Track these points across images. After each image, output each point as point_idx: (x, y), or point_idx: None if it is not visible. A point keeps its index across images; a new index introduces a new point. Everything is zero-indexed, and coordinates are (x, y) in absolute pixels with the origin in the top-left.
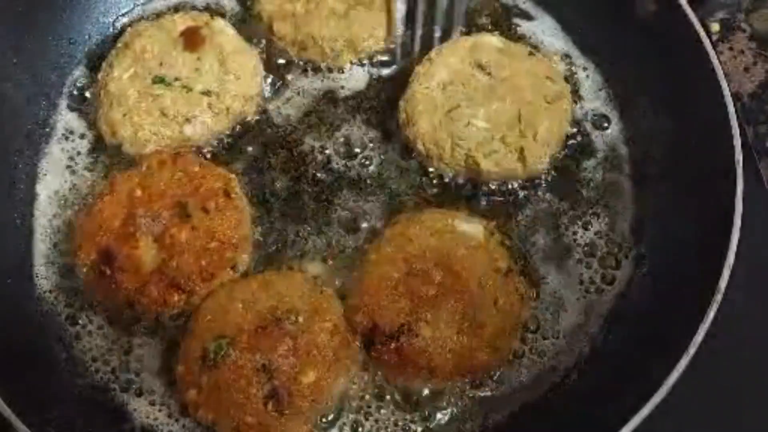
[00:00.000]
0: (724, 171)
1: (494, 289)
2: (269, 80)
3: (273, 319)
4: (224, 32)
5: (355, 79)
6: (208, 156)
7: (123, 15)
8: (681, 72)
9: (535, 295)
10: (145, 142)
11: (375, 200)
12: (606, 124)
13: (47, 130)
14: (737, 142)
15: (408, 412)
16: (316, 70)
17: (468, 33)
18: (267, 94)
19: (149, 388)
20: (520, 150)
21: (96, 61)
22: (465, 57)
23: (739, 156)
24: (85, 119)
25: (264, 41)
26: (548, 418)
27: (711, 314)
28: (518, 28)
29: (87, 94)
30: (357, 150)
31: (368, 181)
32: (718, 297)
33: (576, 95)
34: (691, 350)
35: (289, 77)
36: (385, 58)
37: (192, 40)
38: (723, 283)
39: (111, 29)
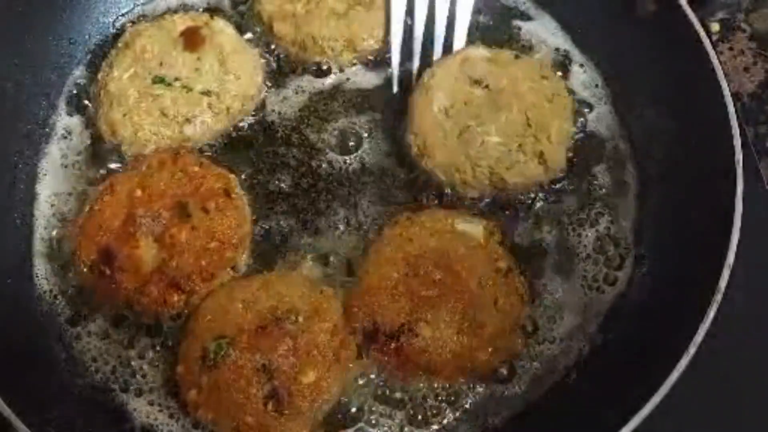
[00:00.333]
0: (724, 171)
1: (494, 289)
2: (269, 80)
3: (273, 319)
4: (224, 32)
5: (355, 78)
6: (208, 156)
7: (123, 15)
8: (681, 72)
9: (535, 295)
10: (145, 142)
11: (375, 200)
12: (606, 124)
13: (47, 130)
14: (737, 142)
15: (408, 412)
16: (316, 69)
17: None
18: (267, 94)
19: (149, 388)
20: (539, 154)
21: (96, 61)
22: (458, 75)
23: (739, 156)
24: (85, 119)
25: (264, 41)
26: (548, 418)
27: (711, 314)
28: (518, 29)
29: (87, 94)
30: (358, 150)
31: (369, 181)
32: (718, 297)
33: (575, 94)
34: (691, 350)
35: (289, 77)
36: (384, 57)
37: (192, 40)
38: (723, 283)
39: (111, 29)
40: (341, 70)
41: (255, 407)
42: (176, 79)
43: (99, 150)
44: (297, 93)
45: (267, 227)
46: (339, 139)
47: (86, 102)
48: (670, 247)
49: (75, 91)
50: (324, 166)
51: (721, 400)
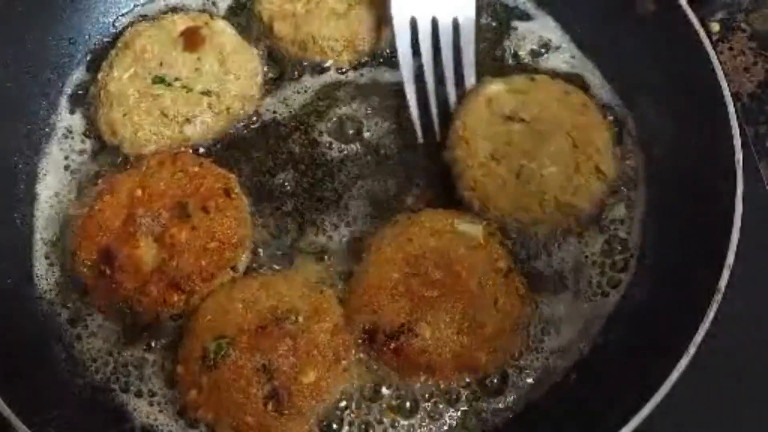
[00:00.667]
0: (724, 171)
1: (494, 289)
2: (269, 80)
3: (273, 319)
4: (224, 32)
5: (355, 78)
6: (208, 156)
7: (123, 15)
8: (681, 72)
9: (535, 295)
10: (145, 142)
11: (375, 200)
12: None
13: (47, 130)
14: (737, 142)
15: (408, 412)
16: (316, 69)
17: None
18: (267, 94)
19: (149, 388)
20: (596, 170)
21: (96, 61)
22: (489, 118)
23: (739, 156)
24: (85, 119)
25: (264, 41)
26: (548, 418)
27: (711, 314)
28: (518, 29)
29: (87, 94)
30: (358, 150)
31: (369, 181)
32: (718, 297)
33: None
34: (691, 350)
35: (289, 77)
36: (384, 57)
37: (192, 40)
38: (723, 283)
39: (111, 29)
40: (341, 70)
41: (255, 407)
42: (176, 79)
43: (99, 150)
44: (297, 93)
45: (267, 227)
46: (339, 139)
47: (86, 102)
48: (670, 247)
49: (75, 91)
50: (324, 165)
51: (721, 400)
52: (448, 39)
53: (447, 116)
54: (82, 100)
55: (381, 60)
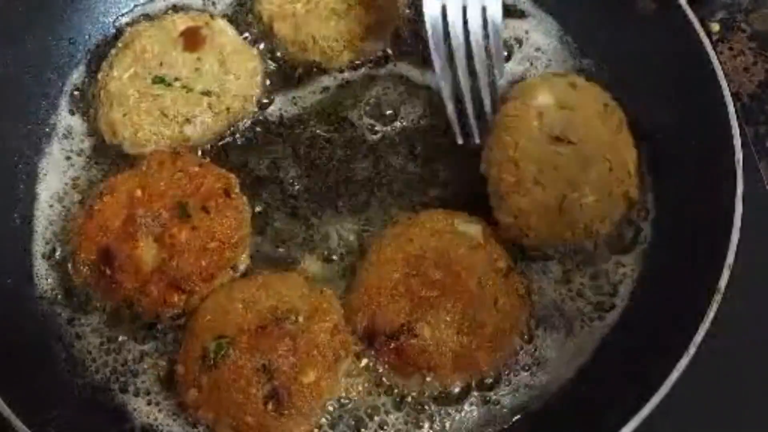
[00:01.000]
0: (724, 171)
1: (494, 289)
2: (269, 80)
3: (273, 319)
4: (224, 32)
5: (355, 78)
6: (208, 156)
7: (123, 15)
8: (681, 72)
9: (534, 295)
10: (145, 142)
11: (375, 200)
12: None
13: (47, 130)
14: (737, 142)
15: (408, 412)
16: (317, 70)
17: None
18: (267, 94)
19: (149, 388)
20: (625, 195)
21: (96, 61)
22: (539, 137)
23: (739, 156)
24: (85, 119)
25: (264, 41)
26: (548, 418)
27: (711, 314)
28: (517, 28)
29: (87, 94)
30: (358, 150)
31: (369, 181)
32: (718, 297)
33: None
34: (691, 350)
35: (289, 77)
36: (384, 57)
37: (192, 40)
38: (723, 283)
39: (111, 29)
40: (341, 70)
41: (255, 407)
42: (176, 79)
43: (99, 150)
44: (297, 93)
45: (267, 227)
46: (339, 139)
47: (86, 102)
48: (670, 247)
49: (75, 91)
50: (324, 166)
51: (721, 400)
52: (478, 30)
53: (482, 115)
54: (82, 100)
55: (381, 60)
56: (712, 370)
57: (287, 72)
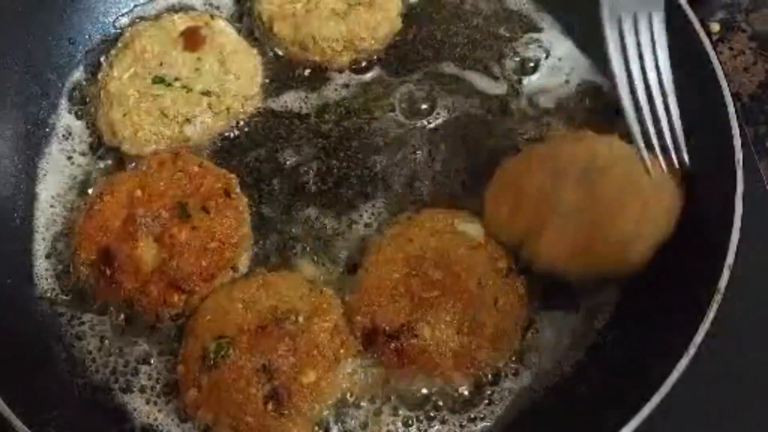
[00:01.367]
0: (724, 171)
1: (494, 289)
2: (269, 80)
3: (273, 319)
4: (224, 32)
5: (355, 78)
6: (208, 156)
7: (123, 15)
8: (681, 72)
9: (534, 295)
10: (145, 142)
11: (375, 201)
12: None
13: (47, 130)
14: (737, 142)
15: (408, 412)
16: (317, 70)
17: None
18: (267, 94)
19: (149, 388)
20: None
21: (96, 61)
22: None
23: (739, 156)
24: (85, 119)
25: (264, 41)
26: (548, 418)
27: (711, 314)
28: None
29: (87, 94)
30: (357, 150)
31: (369, 182)
32: (718, 297)
33: None
34: (691, 350)
35: (289, 77)
36: (384, 57)
37: (192, 40)
38: (723, 283)
39: (111, 29)
40: (341, 71)
41: (255, 407)
42: (176, 79)
43: (99, 150)
44: (297, 93)
45: (267, 227)
46: (339, 140)
47: (86, 102)
48: (669, 246)
49: (75, 91)
50: (324, 166)
51: (721, 400)
52: (647, 40)
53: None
54: (82, 100)
55: (381, 60)
56: (712, 370)
57: (287, 72)
